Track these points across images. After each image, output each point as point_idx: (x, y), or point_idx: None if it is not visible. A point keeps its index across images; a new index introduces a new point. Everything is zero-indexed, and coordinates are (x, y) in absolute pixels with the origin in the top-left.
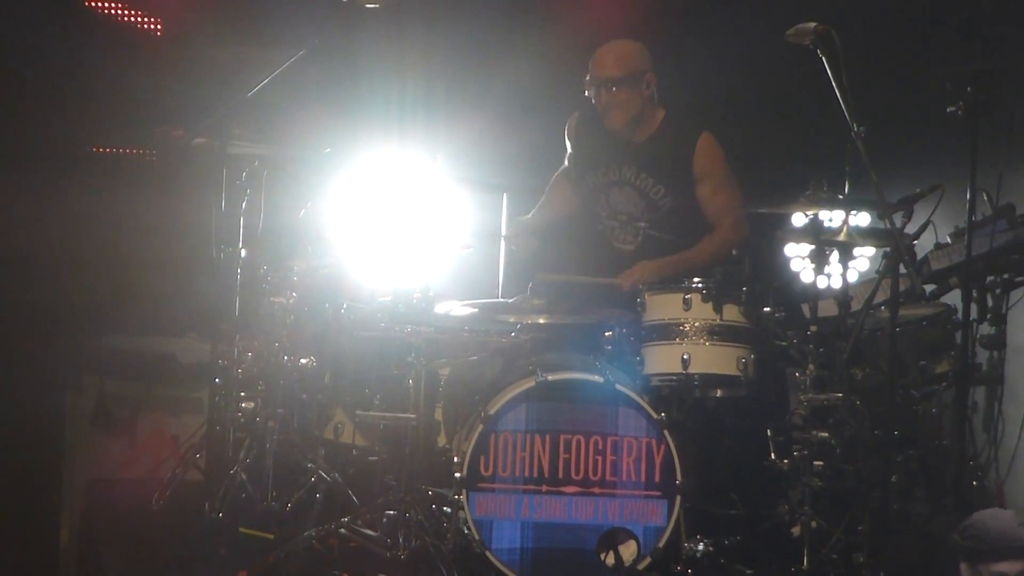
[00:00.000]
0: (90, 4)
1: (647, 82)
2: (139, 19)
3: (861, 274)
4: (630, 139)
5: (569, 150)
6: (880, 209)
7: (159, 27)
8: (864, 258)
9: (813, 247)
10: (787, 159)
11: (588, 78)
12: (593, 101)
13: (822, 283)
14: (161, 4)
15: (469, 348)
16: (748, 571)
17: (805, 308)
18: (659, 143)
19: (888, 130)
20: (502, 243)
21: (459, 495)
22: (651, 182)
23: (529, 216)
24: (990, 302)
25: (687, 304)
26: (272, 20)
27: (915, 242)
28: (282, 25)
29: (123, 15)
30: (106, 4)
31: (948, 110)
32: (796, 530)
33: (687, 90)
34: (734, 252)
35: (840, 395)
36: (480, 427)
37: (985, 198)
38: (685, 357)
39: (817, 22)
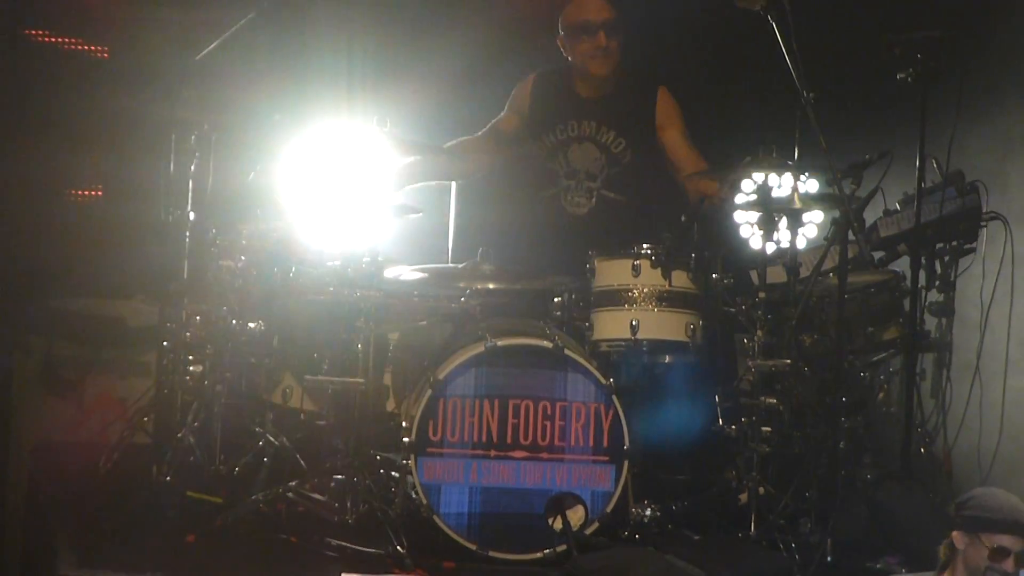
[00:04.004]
0: None
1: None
2: None
3: (810, 240)
4: (589, 96)
5: (505, 111)
6: (829, 175)
7: None
8: (813, 225)
9: (762, 213)
10: (736, 125)
11: (568, 27)
12: (570, 53)
13: (771, 249)
14: None
15: (418, 313)
16: (695, 536)
17: (754, 274)
18: (619, 97)
19: (838, 96)
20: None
21: (407, 460)
22: (612, 135)
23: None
24: (938, 269)
25: (636, 270)
26: None
27: (864, 208)
28: None
29: None
30: None
31: (898, 77)
32: (743, 497)
33: (633, 51)
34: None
35: (788, 361)
36: (429, 392)
37: (934, 165)
38: (634, 323)
39: None
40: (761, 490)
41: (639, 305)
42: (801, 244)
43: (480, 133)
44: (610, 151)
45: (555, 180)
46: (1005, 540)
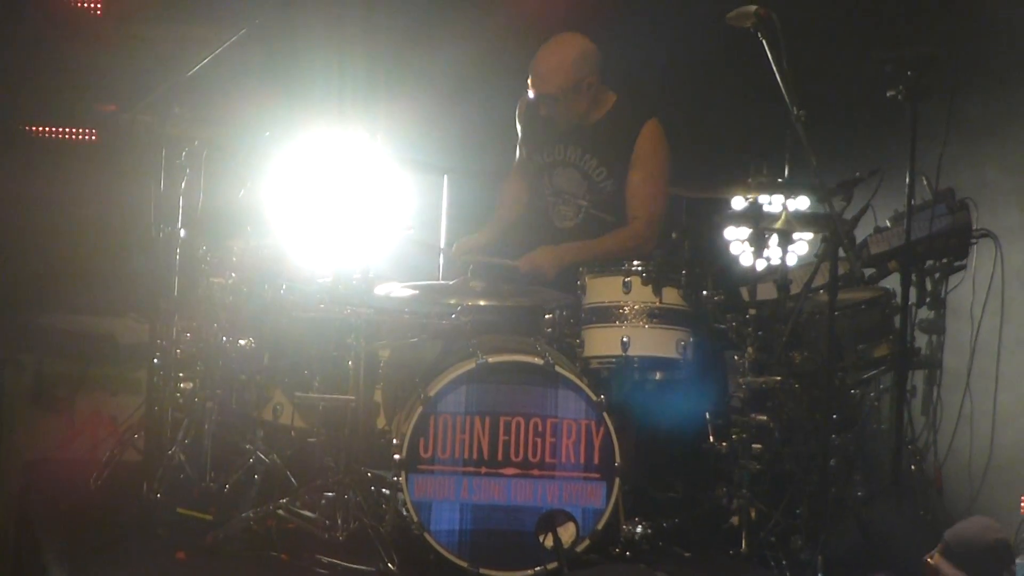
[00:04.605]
0: None
1: (587, 85)
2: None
3: (800, 257)
4: (579, 122)
5: (519, 134)
6: (819, 193)
7: (99, 6)
8: (803, 242)
9: (752, 231)
10: (727, 142)
11: (528, 82)
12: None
13: (761, 266)
14: None
15: (409, 330)
16: (686, 553)
17: (744, 291)
18: (607, 126)
19: (828, 114)
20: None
21: (398, 477)
22: (594, 163)
23: (478, 235)
24: (929, 286)
25: (627, 287)
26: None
27: (854, 226)
28: (223, 4)
29: None
30: None
31: (888, 94)
32: (735, 520)
33: (626, 73)
34: (643, 248)
35: (779, 378)
36: (420, 409)
37: (924, 182)
38: (625, 340)
39: (758, 5)
40: (752, 512)
41: (630, 322)
42: (792, 261)
43: (512, 171)
44: (592, 179)
45: (542, 197)
46: (943, 565)
